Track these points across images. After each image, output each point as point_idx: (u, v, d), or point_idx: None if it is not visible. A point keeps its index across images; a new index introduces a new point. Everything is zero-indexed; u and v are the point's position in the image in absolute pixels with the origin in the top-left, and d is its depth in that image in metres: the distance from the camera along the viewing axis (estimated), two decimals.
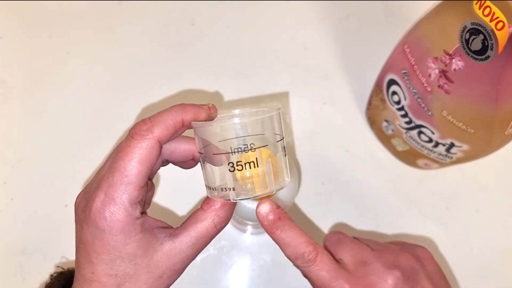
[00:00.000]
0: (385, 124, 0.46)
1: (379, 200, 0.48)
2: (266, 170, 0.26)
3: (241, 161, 0.26)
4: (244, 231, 0.46)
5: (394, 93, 0.42)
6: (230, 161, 0.26)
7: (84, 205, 0.27)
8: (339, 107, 0.52)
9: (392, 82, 0.41)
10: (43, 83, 0.53)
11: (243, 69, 0.54)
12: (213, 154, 0.26)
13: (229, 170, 0.26)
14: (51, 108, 0.52)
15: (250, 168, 0.26)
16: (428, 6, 0.38)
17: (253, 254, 0.45)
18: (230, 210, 0.28)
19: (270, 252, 0.46)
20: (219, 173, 0.27)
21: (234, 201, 0.27)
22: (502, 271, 0.46)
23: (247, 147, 0.26)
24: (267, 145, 0.26)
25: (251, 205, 0.34)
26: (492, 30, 0.30)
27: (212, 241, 0.46)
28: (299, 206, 0.45)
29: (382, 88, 0.43)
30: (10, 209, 0.47)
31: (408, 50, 0.38)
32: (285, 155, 0.27)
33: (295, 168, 0.36)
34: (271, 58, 0.54)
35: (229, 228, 0.46)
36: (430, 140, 0.41)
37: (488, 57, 0.31)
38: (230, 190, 0.26)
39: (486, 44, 0.31)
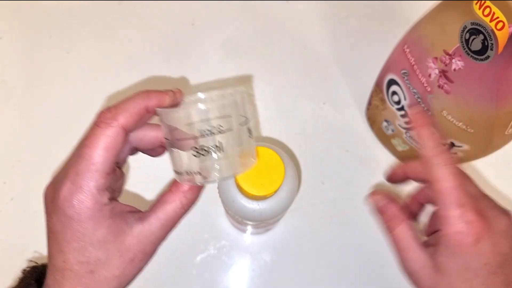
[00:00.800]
0: (385, 124, 0.46)
1: None
2: (231, 153, 0.26)
3: (204, 145, 0.26)
4: (244, 231, 0.46)
5: (394, 93, 0.42)
6: (194, 145, 0.26)
7: (52, 196, 0.27)
8: (339, 107, 0.52)
9: (392, 82, 0.41)
10: (43, 83, 0.53)
11: (242, 69, 0.54)
12: (177, 139, 0.26)
13: (193, 155, 0.26)
14: (51, 108, 0.52)
15: (215, 152, 0.26)
16: (428, 6, 0.38)
17: (253, 254, 0.45)
18: (198, 191, 0.28)
19: (270, 252, 0.46)
20: (186, 157, 0.27)
21: (200, 184, 0.27)
22: None
23: (215, 129, 0.26)
24: (232, 130, 0.26)
25: (251, 205, 0.34)
26: (492, 30, 0.30)
27: (212, 241, 0.46)
28: (299, 206, 0.45)
29: (382, 88, 0.43)
30: (10, 209, 0.47)
31: (408, 50, 0.38)
32: (251, 137, 0.28)
33: (295, 168, 0.36)
34: (271, 58, 0.54)
35: (229, 228, 0.46)
36: None
37: (488, 57, 0.31)
38: (196, 174, 0.26)
39: (486, 44, 0.31)
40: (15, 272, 0.45)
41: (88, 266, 0.26)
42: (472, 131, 0.37)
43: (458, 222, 0.26)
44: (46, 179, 0.48)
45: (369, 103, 0.48)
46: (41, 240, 0.46)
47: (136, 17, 0.56)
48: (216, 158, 0.26)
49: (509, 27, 0.29)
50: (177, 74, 0.53)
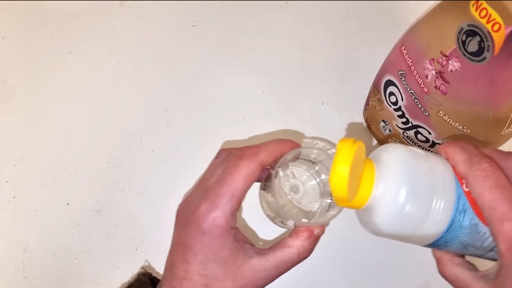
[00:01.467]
0: (382, 124, 0.46)
1: None
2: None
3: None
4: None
5: (391, 93, 0.42)
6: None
7: (188, 212, 0.30)
8: (337, 107, 0.52)
9: (389, 83, 0.42)
10: (45, 82, 0.53)
11: (242, 69, 0.54)
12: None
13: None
14: (53, 107, 0.52)
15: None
16: (425, 8, 0.38)
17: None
18: (314, 243, 0.31)
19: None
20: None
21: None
22: None
23: None
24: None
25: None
26: (488, 31, 0.30)
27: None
28: None
29: (380, 89, 0.44)
30: (12, 207, 0.47)
31: (405, 51, 0.38)
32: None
33: None
34: (270, 59, 0.55)
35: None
36: (427, 140, 0.41)
37: (484, 58, 0.31)
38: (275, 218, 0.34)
39: (482, 45, 0.31)
40: (16, 270, 0.46)
41: (205, 280, 0.28)
42: (468, 131, 0.37)
43: (507, 238, 0.24)
44: (47, 178, 0.49)
45: (367, 104, 0.49)
46: (43, 239, 0.46)
47: (137, 18, 0.57)
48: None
49: (505, 28, 0.29)
50: (177, 75, 0.54)
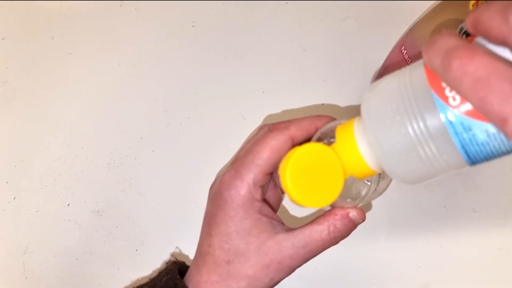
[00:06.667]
0: None
1: (378, 199, 0.48)
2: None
3: None
4: None
5: None
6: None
7: (214, 185, 0.30)
8: (337, 107, 0.52)
9: None
10: (45, 83, 0.53)
11: (242, 70, 0.54)
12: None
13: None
14: (53, 108, 0.52)
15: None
16: (425, 8, 0.38)
17: None
18: (348, 226, 0.29)
19: None
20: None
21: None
22: (499, 270, 0.46)
23: None
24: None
25: None
26: None
27: None
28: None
29: None
30: (13, 208, 0.47)
31: (405, 51, 0.38)
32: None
33: None
34: (270, 59, 0.55)
35: None
36: None
37: None
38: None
39: None
40: (16, 271, 0.46)
41: (227, 255, 0.27)
42: None
43: None
44: (48, 179, 0.49)
45: None
46: (43, 240, 0.46)
47: (138, 18, 0.57)
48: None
49: None
50: (177, 75, 0.54)
